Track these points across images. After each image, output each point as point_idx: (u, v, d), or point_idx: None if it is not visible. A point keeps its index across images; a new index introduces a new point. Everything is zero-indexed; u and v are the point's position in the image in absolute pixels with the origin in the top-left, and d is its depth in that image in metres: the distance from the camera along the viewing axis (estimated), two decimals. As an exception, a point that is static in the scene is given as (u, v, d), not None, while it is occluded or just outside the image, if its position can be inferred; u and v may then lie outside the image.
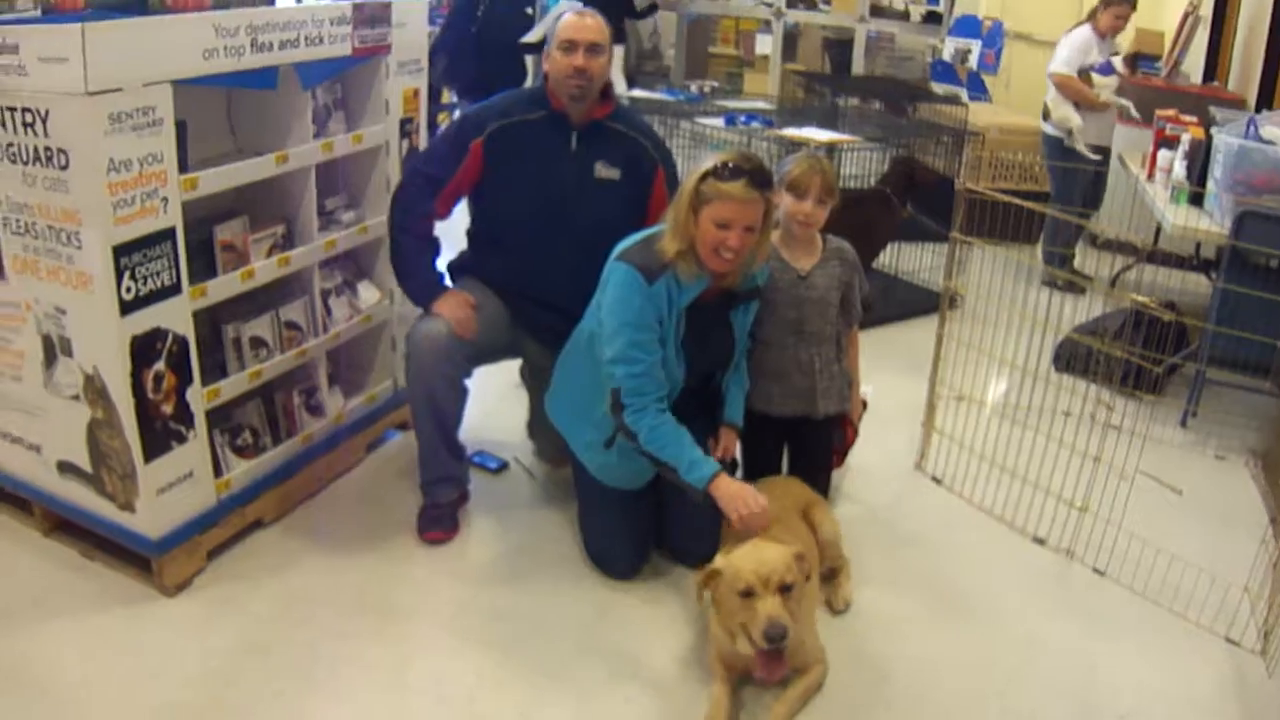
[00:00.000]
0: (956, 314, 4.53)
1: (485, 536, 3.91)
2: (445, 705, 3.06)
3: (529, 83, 6.37)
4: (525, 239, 3.78)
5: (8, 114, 3.02)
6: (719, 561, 3.04)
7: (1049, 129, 6.93)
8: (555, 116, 3.71)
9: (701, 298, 3.37)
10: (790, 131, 6.33)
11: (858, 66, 9.61)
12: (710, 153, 3.45)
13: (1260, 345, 4.63)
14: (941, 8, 9.25)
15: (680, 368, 3.42)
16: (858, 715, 3.14)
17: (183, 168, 3.25)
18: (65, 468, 3.47)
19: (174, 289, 3.26)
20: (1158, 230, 6.42)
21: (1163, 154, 6.00)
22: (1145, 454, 3.85)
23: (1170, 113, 6.16)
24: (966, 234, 4.29)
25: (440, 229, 3.85)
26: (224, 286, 3.51)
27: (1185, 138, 5.79)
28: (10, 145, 3.06)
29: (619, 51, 9.56)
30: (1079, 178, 6.71)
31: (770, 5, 9.75)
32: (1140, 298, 3.96)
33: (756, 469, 3.90)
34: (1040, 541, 4.03)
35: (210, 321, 3.62)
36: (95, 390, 3.24)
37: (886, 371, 5.07)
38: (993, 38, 9.09)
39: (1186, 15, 7.99)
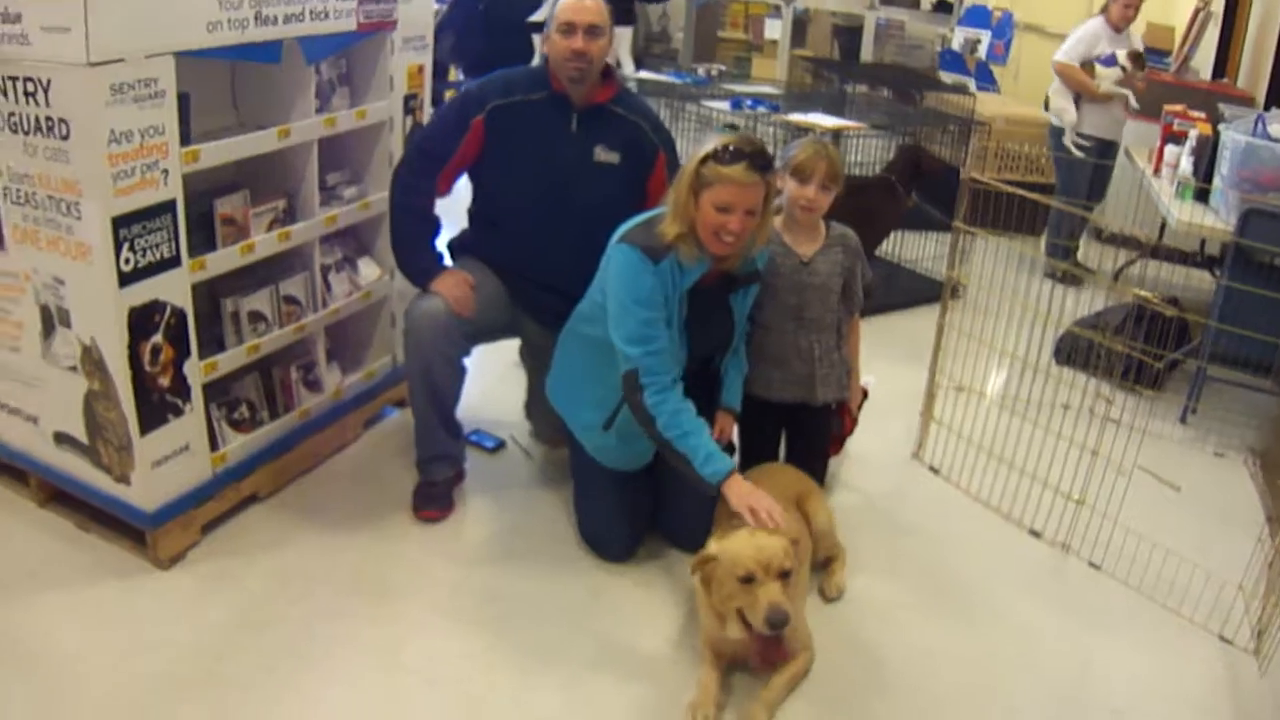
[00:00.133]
0: (958, 304, 4.52)
1: (480, 516, 3.90)
2: (437, 686, 3.06)
3: (536, 62, 6.36)
4: (524, 220, 3.77)
5: (9, 83, 3.00)
6: (714, 546, 3.04)
7: (1054, 120, 6.92)
8: (556, 97, 3.69)
9: (702, 281, 3.36)
10: (796, 117, 6.32)
11: (867, 54, 9.63)
12: (714, 135, 3.43)
13: (1262, 343, 4.62)
14: (951, -3, 9.25)
15: (681, 351, 3.41)
16: (853, 702, 3.14)
17: (184, 140, 3.24)
18: (62, 439, 3.47)
19: (173, 261, 3.25)
20: (1163, 225, 6.41)
21: (1170, 149, 5.98)
22: (1144, 449, 3.84)
23: (1178, 108, 6.14)
24: (970, 224, 4.28)
25: (441, 207, 3.83)
26: (223, 260, 3.49)
27: (1193, 133, 5.77)
28: (12, 115, 3.04)
29: (628, 33, 9.57)
30: (1083, 170, 6.70)
31: (780, -10, 9.74)
32: (1143, 292, 3.95)
33: (754, 454, 3.90)
34: (1036, 534, 4.02)
35: (209, 295, 3.61)
36: (92, 361, 3.23)
37: (887, 360, 5.06)
38: (1002, 28, 9.07)
39: (1198, 11, 7.97)
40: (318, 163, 3.79)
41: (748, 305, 3.60)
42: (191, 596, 3.34)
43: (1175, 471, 4.09)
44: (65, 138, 2.98)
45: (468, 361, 3.79)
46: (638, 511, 3.71)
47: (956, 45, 9.27)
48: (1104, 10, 6.70)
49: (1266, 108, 6.75)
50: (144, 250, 3.14)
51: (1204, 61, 8.38)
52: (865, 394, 4.18)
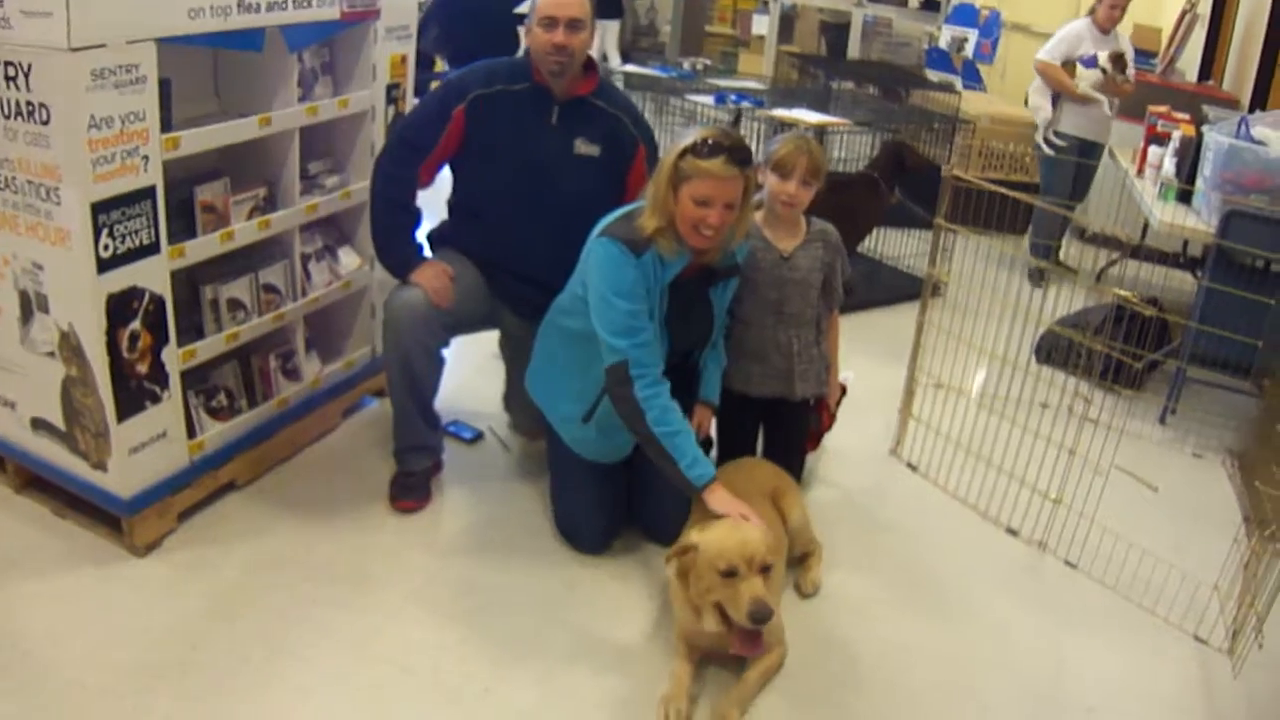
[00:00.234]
0: (939, 302, 4.52)
1: (457, 507, 3.90)
2: (410, 675, 3.06)
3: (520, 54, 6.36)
4: (504, 211, 3.77)
5: (-10, 67, 2.99)
6: (694, 536, 3.03)
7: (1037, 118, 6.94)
8: (538, 89, 3.69)
9: (682, 274, 3.36)
10: (780, 112, 6.33)
11: (854, 51, 9.62)
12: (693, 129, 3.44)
13: (1241, 345, 4.63)
14: (939, -5, 9.26)
15: (662, 344, 3.41)
16: (827, 697, 3.14)
17: (165, 127, 3.23)
18: (39, 424, 3.46)
19: (152, 248, 3.24)
20: (1145, 226, 6.43)
21: (1153, 150, 6.00)
22: (1123, 449, 3.87)
23: (1162, 109, 6.16)
24: (953, 222, 4.29)
25: (421, 199, 3.83)
26: (203, 247, 3.49)
27: (1176, 135, 5.79)
28: (-8, 99, 3.04)
29: (615, 26, 9.58)
30: (1064, 169, 6.72)
31: (768, -15, 9.75)
32: (1122, 292, 3.96)
33: (732, 449, 3.90)
34: (1013, 532, 4.04)
35: (189, 282, 3.60)
36: (70, 347, 3.22)
37: (867, 356, 5.08)
38: (990, 27, 9.08)
39: (1184, 13, 8.00)
40: (299, 151, 3.79)
41: (727, 299, 3.60)
42: (167, 584, 3.33)
43: (1154, 472, 4.10)
44: (45, 123, 2.97)
45: (446, 353, 3.78)
46: (614, 504, 3.71)
47: (943, 43, 9.28)
48: (1090, 11, 6.72)
49: (1251, 110, 6.78)
50: (123, 236, 3.13)
51: (1190, 63, 8.42)
52: (844, 390, 4.19)
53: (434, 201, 3.92)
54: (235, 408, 3.83)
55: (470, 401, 4.53)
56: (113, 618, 3.16)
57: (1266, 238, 4.69)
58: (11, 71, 2.96)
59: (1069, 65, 6.62)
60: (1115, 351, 4.18)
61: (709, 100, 6.69)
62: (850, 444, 4.49)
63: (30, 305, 3.28)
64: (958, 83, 8.86)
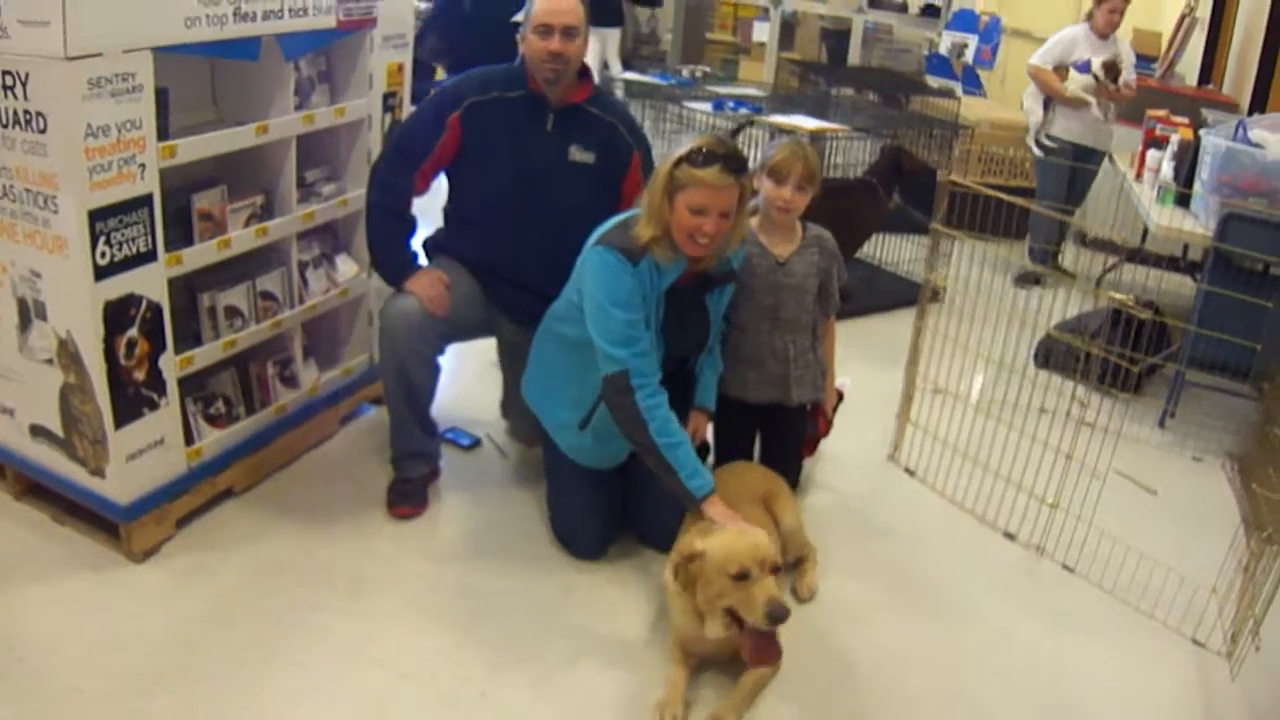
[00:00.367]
0: (938, 307, 4.53)
1: (455, 513, 3.91)
2: (406, 681, 3.07)
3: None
4: (499, 218, 3.78)
5: (-12, 77, 3.01)
6: (700, 543, 3.02)
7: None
8: (533, 97, 3.70)
9: (677, 281, 3.37)
10: (778, 119, 6.33)
11: (854, 57, 9.62)
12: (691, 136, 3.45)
13: (1240, 348, 4.63)
14: (939, 1, 9.25)
15: (659, 351, 3.41)
16: (823, 703, 3.15)
17: (163, 135, 3.24)
18: (38, 431, 3.47)
19: (149, 256, 3.25)
20: (1145, 231, 6.43)
21: (1151, 154, 6.00)
22: (1123, 453, 3.87)
23: (1161, 113, 6.16)
24: (952, 227, 4.29)
25: (416, 206, 3.83)
26: (200, 255, 3.50)
27: (1174, 138, 5.80)
28: (-10, 108, 3.05)
29: (616, 34, 9.59)
30: (1058, 174, 6.72)
31: (769, -7, 9.76)
32: (1118, 295, 3.96)
33: (729, 455, 3.91)
34: (1011, 537, 4.04)
35: (186, 289, 3.61)
36: (68, 355, 3.23)
37: (865, 362, 5.08)
38: (990, 33, 9.09)
39: (1183, 17, 8.00)
40: (296, 159, 3.80)
41: (723, 305, 3.61)
42: (165, 590, 3.34)
43: (1153, 475, 4.11)
44: (42, 131, 2.98)
45: (445, 360, 3.80)
46: (610, 510, 3.72)
47: (944, 49, 9.29)
48: (1088, 16, 6.72)
49: (1250, 113, 6.78)
50: (120, 244, 3.14)
51: (1190, 67, 8.42)
52: (840, 396, 4.19)
53: (430, 209, 3.92)
54: (233, 415, 3.83)
55: (468, 408, 4.54)
56: (110, 623, 3.17)
57: (1265, 240, 4.69)
58: (9, 80, 2.97)
59: (1061, 70, 6.63)
60: (1112, 356, 4.18)
61: (707, 107, 6.69)
62: (848, 449, 4.50)
63: (29, 313, 3.29)
64: (958, 88, 8.85)
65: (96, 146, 2.99)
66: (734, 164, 3.22)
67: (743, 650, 3.00)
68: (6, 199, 3.16)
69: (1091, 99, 6.57)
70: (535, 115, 3.71)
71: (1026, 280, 6.56)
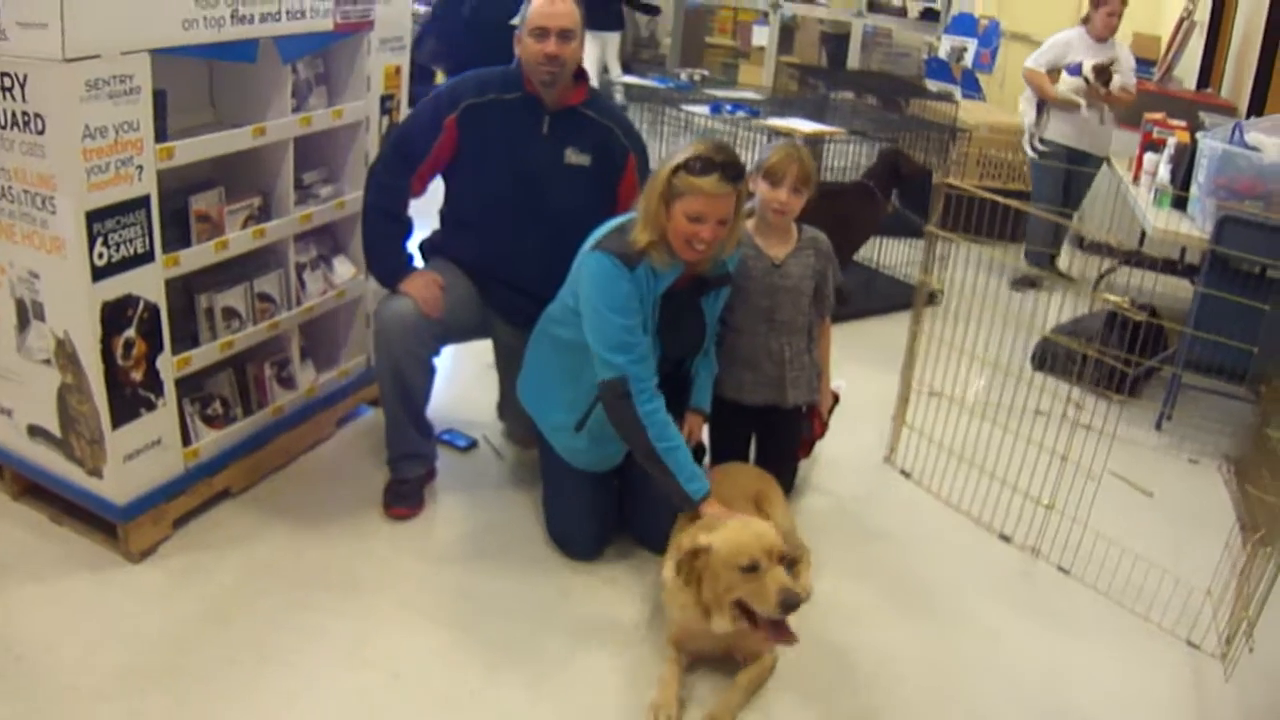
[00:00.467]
0: (934, 310, 4.53)
1: (451, 515, 3.92)
2: (400, 681, 3.07)
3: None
4: (495, 221, 3.79)
5: (-14, 79, 3.02)
6: (706, 538, 3.01)
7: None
8: (529, 99, 3.71)
9: (674, 285, 3.38)
10: (775, 122, 6.34)
11: (854, 61, 9.64)
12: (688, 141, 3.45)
13: (1237, 350, 4.64)
14: (939, 5, 9.27)
15: (654, 354, 3.42)
16: (818, 704, 3.15)
17: (160, 137, 3.25)
18: (35, 431, 3.48)
19: (147, 257, 3.26)
20: (1143, 234, 6.43)
21: (1149, 157, 6.02)
22: (1119, 455, 3.88)
23: (1158, 116, 6.17)
24: (949, 231, 4.29)
25: (412, 208, 3.84)
26: (198, 256, 3.51)
27: (1171, 141, 5.81)
28: (-12, 110, 3.07)
29: (616, 38, 9.59)
30: (1053, 177, 6.73)
31: (769, -3, 9.77)
32: (1114, 298, 3.96)
33: (724, 457, 3.91)
34: (1006, 539, 4.04)
35: (184, 291, 3.62)
36: (66, 355, 3.24)
37: (862, 364, 5.08)
38: (989, 37, 9.11)
39: (1182, 20, 8.01)
40: (294, 161, 3.81)
41: (719, 307, 3.62)
42: (161, 590, 3.35)
43: (1149, 478, 4.12)
44: (40, 132, 2.99)
45: (442, 362, 3.81)
46: (606, 511, 3.73)
47: (943, 53, 9.31)
48: (1085, 20, 6.72)
49: (1248, 116, 6.78)
50: (118, 245, 3.15)
51: (1188, 71, 8.42)
52: (836, 398, 4.19)
53: (426, 211, 3.93)
54: (230, 416, 3.84)
55: (465, 410, 4.55)
56: (107, 622, 3.18)
57: (1261, 243, 4.70)
58: (7, 82, 2.98)
59: (1055, 73, 6.64)
60: (1108, 358, 4.18)
61: (705, 110, 6.70)
62: (843, 452, 4.50)
63: (26, 313, 3.30)
64: (957, 92, 8.87)
65: (94, 148, 3.01)
66: (732, 172, 3.23)
67: (760, 640, 3.03)
68: (5, 200, 3.17)
69: (1081, 100, 6.58)
70: (531, 117, 3.72)
71: (1023, 284, 6.58)
